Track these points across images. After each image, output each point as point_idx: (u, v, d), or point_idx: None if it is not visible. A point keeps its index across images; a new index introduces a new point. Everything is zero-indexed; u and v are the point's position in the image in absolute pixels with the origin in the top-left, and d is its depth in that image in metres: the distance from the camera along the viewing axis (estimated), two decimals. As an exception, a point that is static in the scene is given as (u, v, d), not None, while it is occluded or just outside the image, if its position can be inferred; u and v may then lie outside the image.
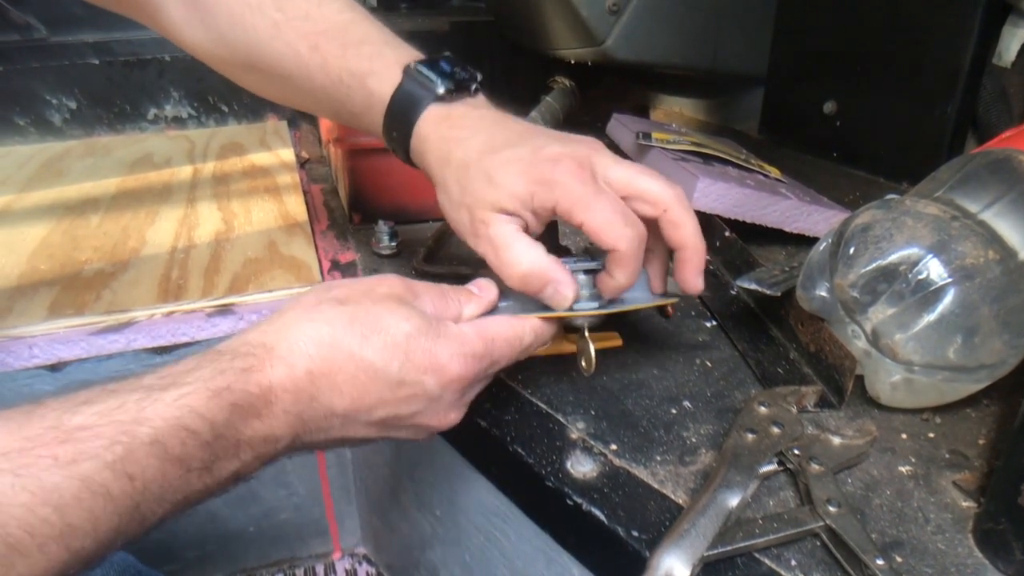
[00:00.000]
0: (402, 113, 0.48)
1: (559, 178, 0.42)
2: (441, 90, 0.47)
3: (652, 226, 0.44)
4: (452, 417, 0.41)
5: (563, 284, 0.42)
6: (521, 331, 0.42)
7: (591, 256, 0.48)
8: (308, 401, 0.36)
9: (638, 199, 0.44)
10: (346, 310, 0.37)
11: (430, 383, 0.38)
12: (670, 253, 0.47)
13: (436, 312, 0.41)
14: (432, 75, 0.47)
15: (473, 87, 0.49)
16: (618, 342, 0.51)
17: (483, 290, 0.44)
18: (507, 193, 0.42)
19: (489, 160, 0.43)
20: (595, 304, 0.45)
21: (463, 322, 0.41)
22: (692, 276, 0.45)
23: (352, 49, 0.49)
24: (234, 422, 0.33)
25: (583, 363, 0.46)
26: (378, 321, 0.37)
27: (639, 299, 0.48)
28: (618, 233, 0.41)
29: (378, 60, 0.49)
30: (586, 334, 0.45)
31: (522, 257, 0.42)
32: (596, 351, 0.45)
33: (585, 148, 0.44)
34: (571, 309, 0.44)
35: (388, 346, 0.37)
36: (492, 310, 0.44)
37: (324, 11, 0.51)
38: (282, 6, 0.51)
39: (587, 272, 0.45)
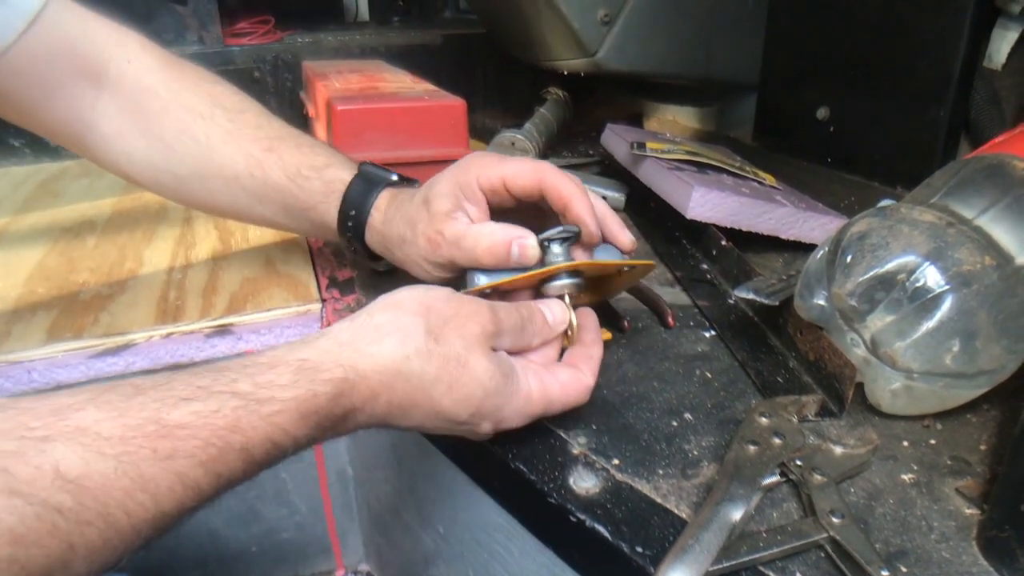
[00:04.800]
0: (361, 194, 0.56)
1: (469, 160, 0.51)
2: (394, 177, 0.57)
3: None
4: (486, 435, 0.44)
5: (524, 238, 0.48)
6: (579, 396, 0.44)
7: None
8: (379, 422, 0.39)
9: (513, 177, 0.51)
10: (439, 353, 0.39)
11: (486, 427, 0.41)
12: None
13: (514, 344, 0.44)
14: (383, 170, 0.58)
15: (416, 184, 0.58)
16: (607, 335, 0.53)
17: (556, 322, 0.46)
18: (442, 197, 0.50)
19: (421, 194, 0.53)
20: (570, 260, 0.49)
21: (532, 369, 0.43)
22: (575, 202, 0.49)
23: (307, 148, 0.58)
24: (315, 435, 0.36)
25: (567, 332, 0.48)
26: (463, 374, 0.39)
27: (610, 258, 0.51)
28: (533, 167, 0.50)
29: (334, 157, 0.59)
30: (567, 300, 0.48)
31: (481, 233, 0.49)
32: (576, 321, 0.47)
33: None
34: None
35: (464, 399, 0.39)
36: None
37: (274, 123, 0.60)
38: (233, 118, 0.58)
39: (562, 241, 0.48)
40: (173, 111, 0.58)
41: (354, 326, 0.39)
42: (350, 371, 0.37)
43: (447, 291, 0.42)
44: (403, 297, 0.41)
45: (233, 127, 0.58)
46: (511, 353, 0.43)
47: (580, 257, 0.50)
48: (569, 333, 0.47)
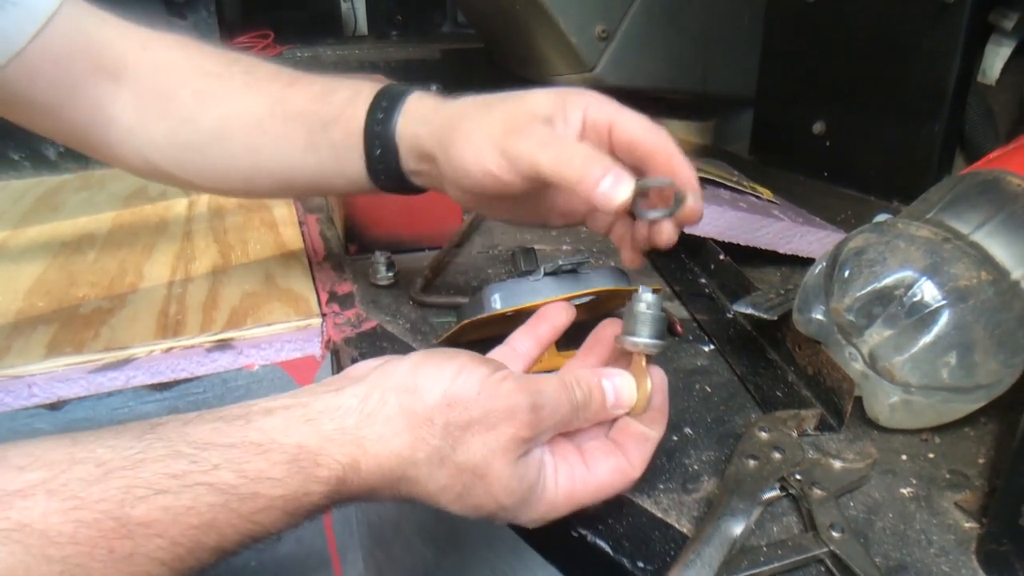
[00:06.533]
0: (396, 89, 0.51)
1: (579, 89, 0.46)
2: (422, 89, 0.52)
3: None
4: None
5: (622, 175, 0.39)
6: (617, 491, 0.38)
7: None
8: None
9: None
10: (454, 461, 0.33)
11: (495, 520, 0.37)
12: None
13: (557, 432, 0.37)
14: (408, 85, 0.52)
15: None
16: None
17: (616, 405, 0.39)
18: (541, 101, 0.45)
19: (509, 97, 0.47)
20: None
21: (566, 467, 0.37)
22: (684, 171, 0.44)
23: (329, 82, 0.55)
24: (298, 525, 0.33)
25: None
26: (478, 486, 0.34)
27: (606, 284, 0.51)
28: (652, 127, 0.44)
29: (361, 84, 0.54)
30: (643, 363, 0.39)
31: (580, 146, 0.42)
32: (649, 390, 0.39)
33: None
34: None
35: (474, 508, 0.35)
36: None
37: (292, 70, 0.57)
38: (250, 70, 0.57)
39: (567, 272, 0.50)
40: (191, 81, 0.56)
41: (364, 409, 0.33)
42: (350, 470, 0.32)
43: (479, 377, 0.34)
44: (425, 384, 0.34)
45: (251, 78, 0.56)
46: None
47: (596, 279, 0.51)
48: (637, 405, 0.39)
